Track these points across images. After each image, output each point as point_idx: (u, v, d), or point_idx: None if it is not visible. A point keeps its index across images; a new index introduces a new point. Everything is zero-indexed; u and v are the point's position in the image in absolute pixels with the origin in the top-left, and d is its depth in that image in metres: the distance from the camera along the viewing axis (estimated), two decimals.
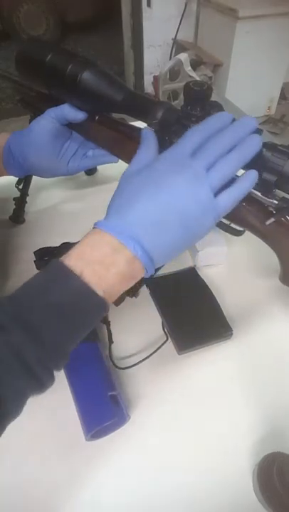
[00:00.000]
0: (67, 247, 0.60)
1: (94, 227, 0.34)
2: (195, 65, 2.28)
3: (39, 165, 0.53)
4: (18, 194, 0.67)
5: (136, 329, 0.53)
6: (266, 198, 0.42)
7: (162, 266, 0.36)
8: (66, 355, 0.30)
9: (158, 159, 0.35)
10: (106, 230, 0.32)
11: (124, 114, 0.47)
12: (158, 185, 0.33)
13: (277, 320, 0.54)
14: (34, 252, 0.61)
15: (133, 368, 0.48)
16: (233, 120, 0.36)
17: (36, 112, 0.56)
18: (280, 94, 2.76)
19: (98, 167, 0.83)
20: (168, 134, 0.41)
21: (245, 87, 2.52)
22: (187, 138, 0.35)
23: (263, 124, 2.67)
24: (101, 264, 0.30)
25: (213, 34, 2.50)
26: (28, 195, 0.68)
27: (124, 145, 0.49)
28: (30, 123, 0.55)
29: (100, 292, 0.30)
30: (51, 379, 0.29)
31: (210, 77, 2.36)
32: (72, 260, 0.30)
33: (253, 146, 0.34)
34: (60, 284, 0.29)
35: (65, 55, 0.47)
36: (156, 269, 0.35)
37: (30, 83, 0.54)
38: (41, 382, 0.28)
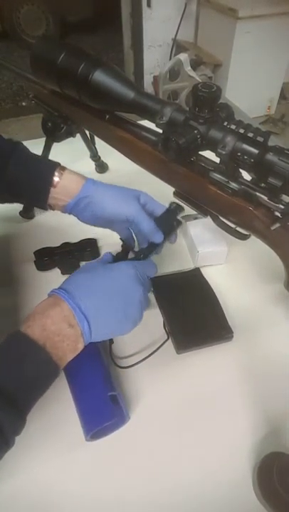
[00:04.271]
0: (67, 246, 0.61)
1: (54, 294, 0.38)
2: (195, 65, 2.27)
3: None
4: None
5: (136, 328, 0.53)
6: (272, 203, 0.41)
7: None
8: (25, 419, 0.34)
9: (113, 268, 0.42)
10: (69, 307, 0.37)
11: (133, 113, 0.47)
12: (113, 283, 0.40)
13: (278, 323, 0.54)
14: (34, 253, 0.61)
15: (133, 367, 0.48)
16: None
17: (48, 109, 0.56)
18: (280, 94, 2.76)
19: (109, 165, 0.83)
20: (174, 135, 0.41)
21: (245, 87, 2.51)
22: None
23: (262, 123, 2.67)
24: (59, 336, 0.35)
25: (213, 34, 2.50)
26: None
27: (134, 144, 0.49)
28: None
29: (58, 362, 0.35)
30: (13, 442, 0.33)
31: (210, 77, 2.36)
32: (36, 333, 0.35)
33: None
34: (30, 358, 0.34)
35: (77, 54, 0.47)
36: None
37: (43, 81, 0.54)
38: (8, 445, 0.33)
